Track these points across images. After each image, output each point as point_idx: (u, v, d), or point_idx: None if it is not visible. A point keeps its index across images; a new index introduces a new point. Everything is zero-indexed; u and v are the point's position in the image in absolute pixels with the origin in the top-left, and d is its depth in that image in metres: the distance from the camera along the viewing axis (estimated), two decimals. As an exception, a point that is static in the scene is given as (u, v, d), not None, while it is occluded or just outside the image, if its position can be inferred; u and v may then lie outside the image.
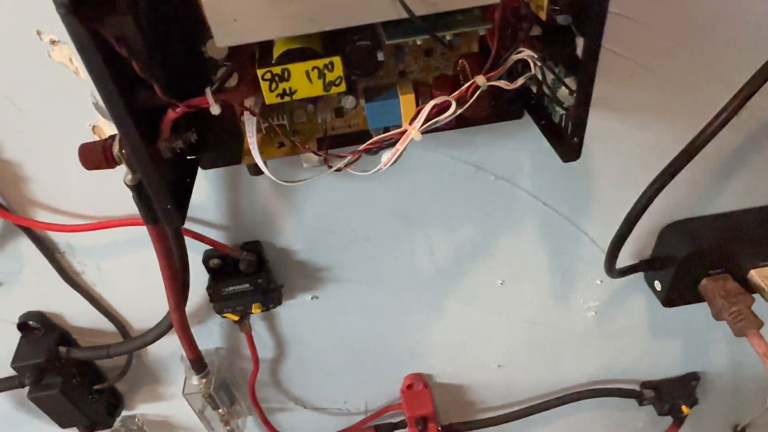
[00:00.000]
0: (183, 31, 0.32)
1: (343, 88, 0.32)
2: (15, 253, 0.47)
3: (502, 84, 0.34)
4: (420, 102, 0.36)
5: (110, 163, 0.33)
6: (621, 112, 0.45)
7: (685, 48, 0.42)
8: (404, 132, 0.33)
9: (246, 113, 0.33)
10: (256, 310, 0.50)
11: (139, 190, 0.35)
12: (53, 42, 0.36)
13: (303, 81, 0.31)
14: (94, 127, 0.40)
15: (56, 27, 0.35)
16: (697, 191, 0.51)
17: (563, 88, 0.34)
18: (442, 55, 0.37)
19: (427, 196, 0.48)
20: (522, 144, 0.46)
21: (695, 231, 0.52)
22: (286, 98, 0.32)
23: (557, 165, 0.47)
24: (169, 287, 0.42)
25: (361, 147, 0.34)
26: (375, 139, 0.34)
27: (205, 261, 0.48)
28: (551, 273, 0.56)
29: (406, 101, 0.36)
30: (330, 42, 0.32)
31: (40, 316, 0.51)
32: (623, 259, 0.53)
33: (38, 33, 0.35)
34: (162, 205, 0.33)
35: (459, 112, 0.33)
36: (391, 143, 0.34)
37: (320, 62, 0.31)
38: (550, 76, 0.33)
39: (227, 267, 0.48)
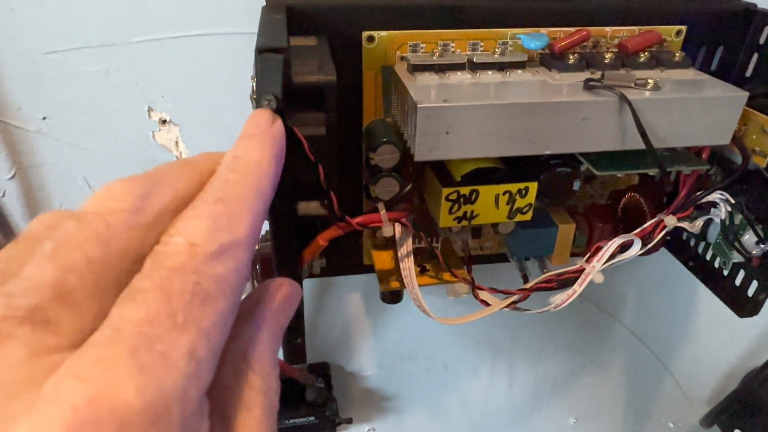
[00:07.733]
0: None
1: (528, 216, 0.27)
2: None
3: (686, 225, 0.30)
4: (576, 233, 0.32)
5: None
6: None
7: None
8: (581, 270, 0.29)
9: (398, 227, 0.27)
10: (317, 447, 0.41)
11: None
12: (163, 122, 0.29)
13: (489, 205, 0.26)
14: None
15: (170, 105, 0.29)
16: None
17: (748, 236, 0.31)
18: (601, 184, 0.34)
19: (522, 326, 0.43)
20: (632, 277, 0.42)
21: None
22: (464, 223, 0.27)
23: (661, 302, 0.44)
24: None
25: (530, 285, 0.29)
26: (548, 276, 0.29)
27: (263, 385, 0.40)
28: (625, 413, 0.50)
29: (565, 231, 0.32)
30: (510, 165, 0.27)
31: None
32: (698, 400, 0.49)
33: (149, 110, 0.29)
34: (293, 338, 0.26)
35: (644, 251, 0.29)
36: (567, 283, 0.29)
37: (514, 186, 0.26)
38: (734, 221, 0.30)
39: (288, 393, 0.40)
